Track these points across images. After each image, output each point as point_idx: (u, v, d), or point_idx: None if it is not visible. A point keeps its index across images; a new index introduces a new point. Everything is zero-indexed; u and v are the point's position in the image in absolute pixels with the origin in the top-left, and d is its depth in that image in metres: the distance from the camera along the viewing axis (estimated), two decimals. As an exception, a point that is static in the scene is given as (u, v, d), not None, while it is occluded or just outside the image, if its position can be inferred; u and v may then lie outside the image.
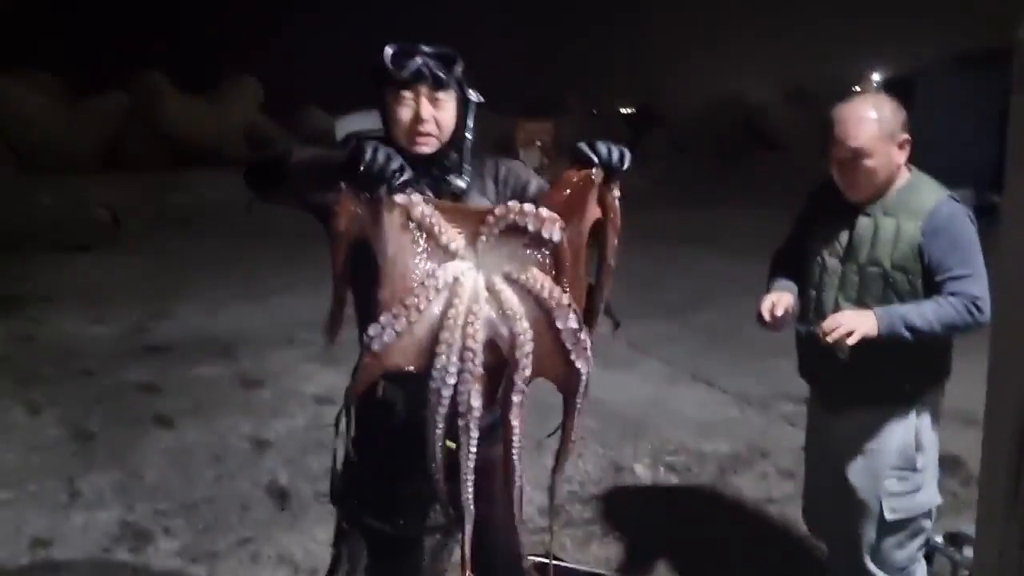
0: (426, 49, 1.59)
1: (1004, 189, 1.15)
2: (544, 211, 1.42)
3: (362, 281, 1.55)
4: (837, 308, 2.06)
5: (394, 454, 1.68)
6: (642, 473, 3.63)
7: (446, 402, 1.41)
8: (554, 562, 2.69)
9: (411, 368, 1.43)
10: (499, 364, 1.44)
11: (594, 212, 1.47)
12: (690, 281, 7.88)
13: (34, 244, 10.63)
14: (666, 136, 21.89)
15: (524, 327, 1.43)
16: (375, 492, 1.75)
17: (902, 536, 2.13)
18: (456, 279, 1.43)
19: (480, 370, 1.42)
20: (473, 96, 1.67)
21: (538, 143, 13.35)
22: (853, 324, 1.90)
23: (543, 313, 1.44)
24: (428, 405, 1.42)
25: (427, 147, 1.63)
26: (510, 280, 1.44)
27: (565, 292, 1.44)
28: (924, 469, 2.12)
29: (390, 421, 1.68)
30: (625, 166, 1.46)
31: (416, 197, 1.42)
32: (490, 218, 1.44)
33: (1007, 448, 1.15)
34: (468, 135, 1.68)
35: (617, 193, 1.49)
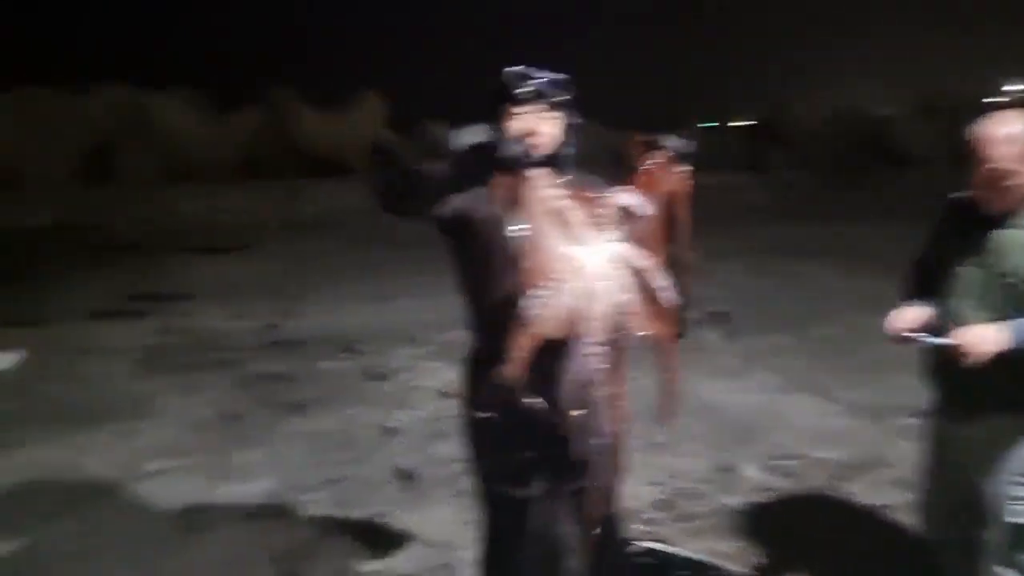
0: (541, 74, 1.87)
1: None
2: (635, 193, 1.75)
3: (471, 277, 1.83)
4: (972, 320, 2.07)
5: (522, 424, 1.87)
6: (752, 475, 3.67)
7: (581, 371, 1.61)
8: (661, 546, 2.83)
9: (556, 338, 1.64)
10: (615, 333, 1.70)
11: (667, 186, 1.80)
12: (808, 295, 7.76)
13: (180, 246, 11.56)
14: (787, 151, 21.38)
15: (633, 299, 1.68)
16: (505, 459, 1.94)
17: None
18: (583, 260, 1.65)
19: (610, 338, 1.63)
20: (575, 119, 1.95)
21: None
22: (986, 338, 1.95)
23: (642, 280, 1.71)
24: (565, 375, 1.62)
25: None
26: (617, 259, 1.69)
27: (653, 258, 1.73)
28: None
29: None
30: (691, 151, 1.80)
31: (550, 178, 1.66)
32: (600, 201, 1.70)
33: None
34: (570, 150, 1.94)
35: (687, 170, 1.81)
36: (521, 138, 1.85)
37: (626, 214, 1.73)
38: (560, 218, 1.67)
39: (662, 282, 1.71)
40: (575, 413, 1.72)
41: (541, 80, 1.85)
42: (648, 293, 1.72)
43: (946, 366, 2.12)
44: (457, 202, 1.80)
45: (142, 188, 14.01)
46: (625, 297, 1.69)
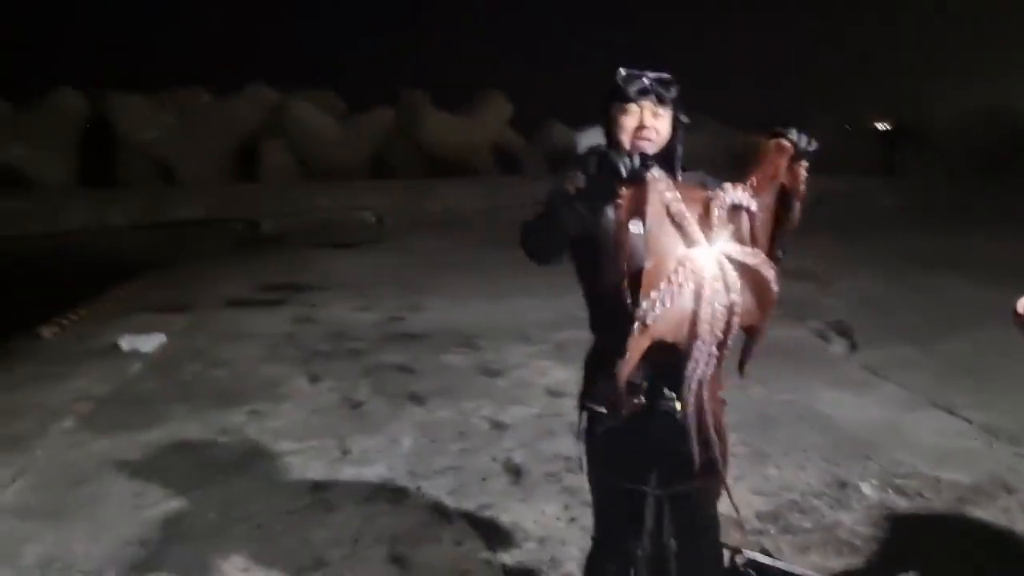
0: (651, 74, 1.95)
1: None
2: (742, 188, 1.78)
3: (592, 278, 1.90)
4: None
5: (636, 422, 1.93)
6: (869, 492, 3.56)
7: (700, 370, 1.69)
8: (766, 559, 2.81)
9: (673, 340, 1.70)
10: (727, 334, 1.76)
11: (782, 178, 1.80)
12: (937, 307, 7.35)
13: (312, 241, 12.20)
14: (923, 152, 20.17)
15: (743, 299, 1.74)
16: (619, 455, 2.00)
17: None
18: (700, 261, 1.72)
19: (721, 339, 1.68)
20: (683, 117, 2.00)
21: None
22: None
23: (753, 274, 1.77)
24: (687, 372, 1.70)
25: (648, 147, 1.94)
26: (731, 259, 1.75)
27: (763, 253, 1.78)
28: None
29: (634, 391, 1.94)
30: (811, 147, 1.80)
31: (665, 179, 1.73)
32: (712, 201, 1.75)
33: None
34: (679, 147, 2.00)
35: (805, 165, 1.81)
36: (632, 145, 1.93)
37: (736, 210, 1.78)
38: (676, 220, 1.73)
39: (770, 273, 1.77)
40: (687, 412, 1.80)
41: (650, 78, 1.93)
42: (758, 289, 1.78)
43: None
44: (583, 211, 1.83)
45: (283, 185, 14.87)
46: (736, 298, 1.73)
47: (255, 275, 9.70)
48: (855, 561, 2.99)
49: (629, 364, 1.73)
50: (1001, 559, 3.03)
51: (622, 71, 1.95)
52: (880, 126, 21.88)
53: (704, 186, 1.97)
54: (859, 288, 8.26)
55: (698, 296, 1.71)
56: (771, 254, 1.82)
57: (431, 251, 11.46)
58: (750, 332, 1.85)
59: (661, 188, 1.71)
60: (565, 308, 5.87)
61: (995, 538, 3.17)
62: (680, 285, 1.70)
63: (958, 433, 4.29)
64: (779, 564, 2.86)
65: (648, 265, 1.70)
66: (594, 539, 2.24)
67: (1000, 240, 11.09)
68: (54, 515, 3.46)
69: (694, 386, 1.78)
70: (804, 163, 1.80)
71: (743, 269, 1.77)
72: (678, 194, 1.74)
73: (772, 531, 3.22)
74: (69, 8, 33.42)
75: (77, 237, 13.48)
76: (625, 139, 1.95)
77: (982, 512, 3.38)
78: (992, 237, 11.45)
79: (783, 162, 1.79)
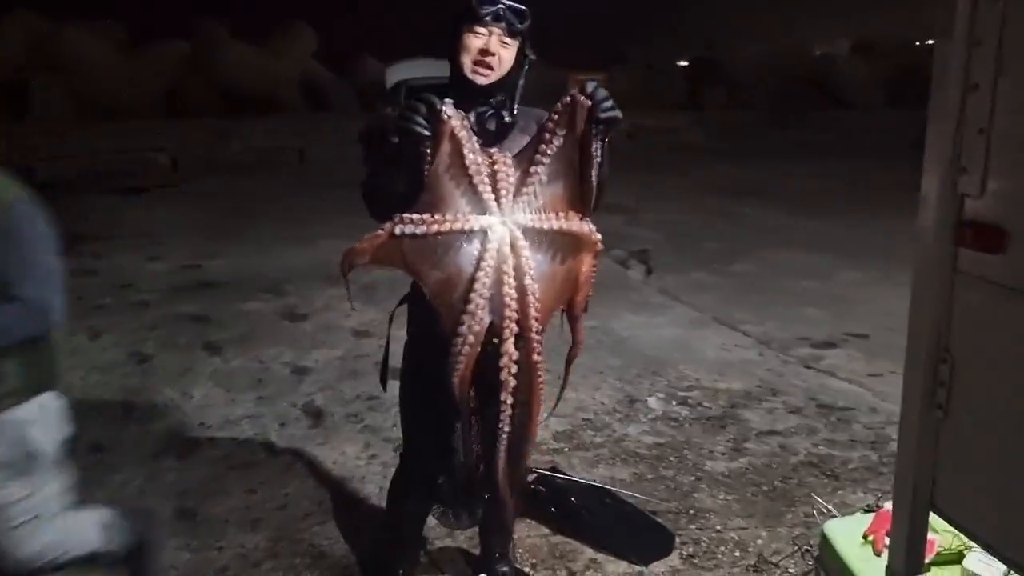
0: (506, 1, 1.86)
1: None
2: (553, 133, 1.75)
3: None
4: None
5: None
6: (655, 405, 3.79)
7: (471, 341, 1.68)
8: (556, 474, 2.91)
9: (423, 274, 1.71)
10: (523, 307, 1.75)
11: (583, 128, 1.75)
12: (735, 233, 7.91)
13: (95, 186, 11.14)
14: (725, 89, 21.42)
15: (537, 282, 1.73)
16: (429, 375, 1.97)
17: None
18: (486, 231, 1.70)
19: (512, 311, 1.72)
20: (530, 53, 1.94)
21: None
22: None
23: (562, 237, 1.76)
24: (452, 347, 1.71)
25: (484, 79, 1.88)
26: (529, 231, 1.73)
27: (574, 213, 1.79)
28: None
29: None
30: (612, 112, 1.75)
31: (465, 126, 1.69)
32: (500, 162, 1.73)
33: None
34: (521, 81, 1.94)
35: (603, 116, 1.75)
36: (472, 69, 1.87)
37: (527, 171, 1.75)
38: (469, 171, 1.70)
39: (584, 229, 1.78)
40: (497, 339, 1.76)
41: (505, 4, 1.86)
42: (572, 249, 1.78)
43: None
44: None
45: (58, 125, 13.39)
46: (531, 282, 1.73)
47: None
48: (639, 469, 3.18)
49: (350, 257, 1.72)
50: (761, 453, 3.32)
51: None
52: (683, 63, 22.92)
53: (539, 122, 1.95)
54: (665, 219, 8.70)
55: (477, 273, 1.71)
56: (578, 206, 1.79)
57: (233, 195, 10.81)
58: (570, 306, 1.84)
59: (458, 130, 1.67)
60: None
61: (759, 435, 3.47)
62: (450, 227, 1.69)
63: (737, 346, 4.65)
64: (568, 478, 2.99)
65: (426, 193, 1.68)
66: (401, 455, 2.28)
67: (793, 172, 12.08)
68: None
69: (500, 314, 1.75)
70: (600, 126, 1.74)
71: (546, 236, 1.75)
72: (476, 144, 1.71)
73: (566, 449, 3.35)
74: None
75: None
76: (467, 61, 1.87)
77: (750, 413, 3.69)
78: (784, 168, 12.43)
79: (580, 119, 1.73)
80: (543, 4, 1.88)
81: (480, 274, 1.69)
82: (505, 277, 1.70)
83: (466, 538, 2.68)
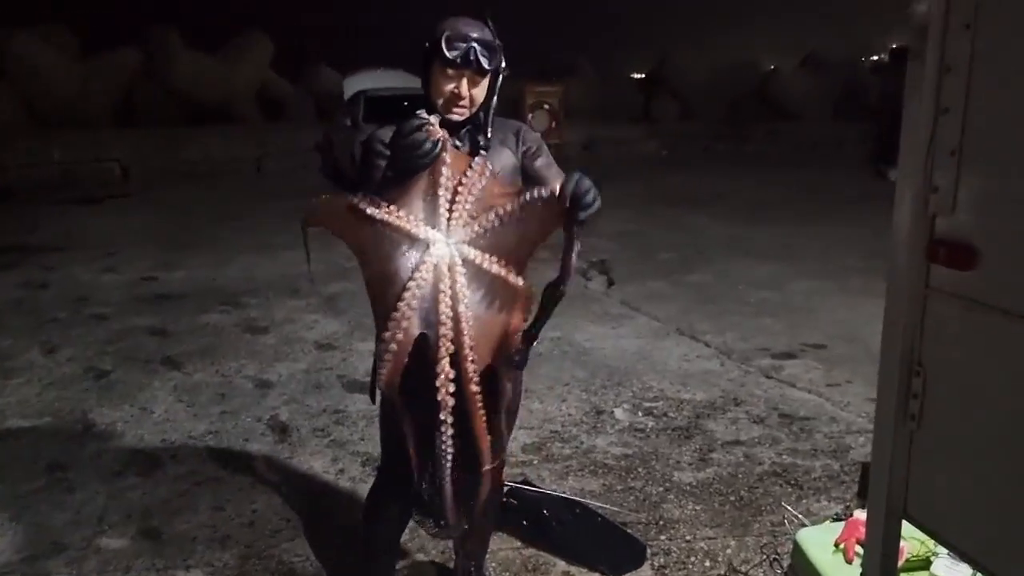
0: (475, 36, 1.83)
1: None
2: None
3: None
4: None
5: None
6: (621, 416, 3.83)
7: (394, 349, 1.73)
8: (528, 487, 2.92)
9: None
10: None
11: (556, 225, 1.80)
12: (688, 243, 8.02)
13: (46, 196, 10.86)
14: (676, 102, 21.76)
15: (470, 310, 1.74)
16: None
17: None
18: (428, 244, 1.74)
19: (448, 330, 1.74)
20: (503, 71, 1.92)
21: (546, 106, 13.30)
22: None
23: (500, 285, 1.77)
24: (379, 347, 1.76)
25: (459, 117, 1.90)
26: (470, 263, 1.75)
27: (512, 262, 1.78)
28: None
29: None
30: (590, 210, 1.81)
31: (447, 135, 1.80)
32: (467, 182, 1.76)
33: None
34: (494, 101, 1.94)
35: (582, 216, 1.80)
36: (444, 110, 1.87)
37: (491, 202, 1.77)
38: (435, 183, 1.74)
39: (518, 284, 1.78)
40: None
41: (476, 46, 1.82)
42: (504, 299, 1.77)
43: None
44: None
45: (7, 134, 13.01)
46: (464, 310, 1.74)
47: (-24, 237, 8.49)
48: (608, 480, 3.21)
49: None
50: (726, 463, 3.37)
51: (447, 30, 1.82)
52: (636, 76, 23.23)
53: (517, 135, 2.00)
54: (621, 229, 8.78)
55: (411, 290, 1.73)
56: (521, 268, 1.78)
57: (189, 205, 10.62)
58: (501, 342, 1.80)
59: (449, 144, 1.78)
60: (335, 260, 5.68)
61: (724, 445, 3.52)
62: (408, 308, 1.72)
63: (699, 356, 4.72)
64: (537, 491, 3.00)
65: (395, 189, 1.75)
66: (378, 468, 2.28)
67: (742, 182, 12.29)
68: None
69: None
70: (580, 214, 1.77)
71: (485, 276, 1.76)
72: (455, 156, 1.79)
73: (535, 461, 3.36)
74: None
75: None
76: (440, 105, 1.88)
77: (715, 424, 3.75)
78: (735, 180, 12.65)
79: (560, 212, 1.75)
80: (499, 16, 1.88)
81: (412, 284, 1.71)
82: (442, 296, 1.72)
83: (438, 552, 2.68)
